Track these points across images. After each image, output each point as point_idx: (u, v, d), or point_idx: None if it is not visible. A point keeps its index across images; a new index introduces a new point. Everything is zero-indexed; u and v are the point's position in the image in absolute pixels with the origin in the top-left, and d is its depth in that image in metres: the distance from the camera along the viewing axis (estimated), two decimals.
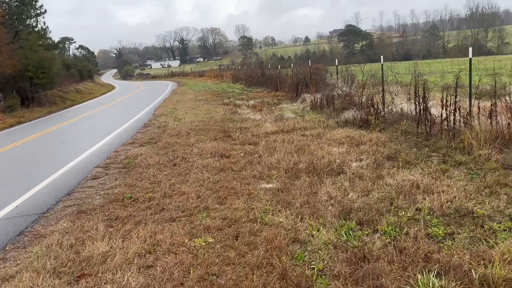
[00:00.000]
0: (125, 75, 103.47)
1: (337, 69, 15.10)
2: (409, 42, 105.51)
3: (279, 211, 4.83)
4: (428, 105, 8.52)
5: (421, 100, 8.55)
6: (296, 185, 5.77)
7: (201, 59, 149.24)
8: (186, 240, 4.08)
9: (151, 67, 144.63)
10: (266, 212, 4.84)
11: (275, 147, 8.25)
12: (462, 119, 7.61)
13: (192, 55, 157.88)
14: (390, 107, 10.22)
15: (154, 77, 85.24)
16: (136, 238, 4.21)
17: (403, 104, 10.17)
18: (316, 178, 6.10)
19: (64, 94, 37.85)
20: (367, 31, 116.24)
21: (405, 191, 5.15)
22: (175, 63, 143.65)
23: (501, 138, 6.82)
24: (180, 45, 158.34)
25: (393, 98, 10.30)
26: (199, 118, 12.85)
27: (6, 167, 9.18)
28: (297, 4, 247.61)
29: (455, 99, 7.76)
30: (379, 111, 10.00)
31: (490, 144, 6.62)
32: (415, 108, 8.67)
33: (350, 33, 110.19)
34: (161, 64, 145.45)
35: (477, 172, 5.80)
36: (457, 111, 7.70)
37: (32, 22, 38.40)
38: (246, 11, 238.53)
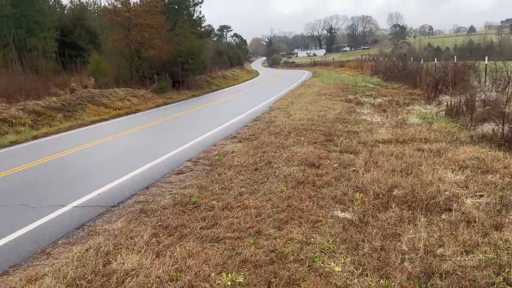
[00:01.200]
0: (272, 63, 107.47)
1: (485, 67, 12.43)
2: None
3: (340, 254, 3.92)
4: None
5: None
6: (379, 219, 4.69)
7: (348, 48, 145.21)
8: (213, 274, 3.56)
9: (297, 56, 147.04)
10: (323, 252, 3.98)
11: (377, 161, 7.05)
12: None
13: (339, 44, 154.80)
14: None
15: (297, 66, 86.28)
16: (169, 257, 3.88)
17: None
18: (409, 213, 4.88)
19: (211, 79, 40.96)
20: None
21: None
22: (320, 52, 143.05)
23: None
24: (328, 34, 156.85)
25: None
26: (310, 115, 12.10)
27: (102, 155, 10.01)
28: None
29: None
30: None
31: None
32: None
33: None
34: (306, 53, 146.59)
35: None
36: None
37: (190, 11, 42.42)
38: None
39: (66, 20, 43.27)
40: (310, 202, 5.29)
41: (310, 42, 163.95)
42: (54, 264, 3.90)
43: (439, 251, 3.93)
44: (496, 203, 4.99)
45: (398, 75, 24.94)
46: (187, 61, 32.12)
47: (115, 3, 28.36)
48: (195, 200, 5.46)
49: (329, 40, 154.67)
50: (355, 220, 4.67)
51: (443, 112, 11.66)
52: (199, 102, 21.34)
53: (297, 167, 6.86)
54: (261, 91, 26.06)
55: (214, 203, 5.31)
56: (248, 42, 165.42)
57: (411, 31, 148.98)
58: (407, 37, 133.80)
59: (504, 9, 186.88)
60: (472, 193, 5.37)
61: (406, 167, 6.65)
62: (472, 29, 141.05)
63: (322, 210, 5.01)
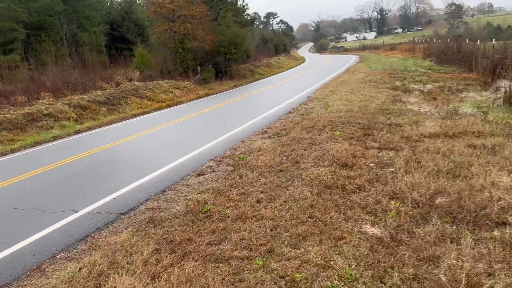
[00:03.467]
0: (320, 48, 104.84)
1: None
2: None
3: (362, 284, 3.28)
4: None
5: None
6: (415, 236, 3.97)
7: (400, 30, 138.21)
8: None
9: (345, 40, 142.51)
10: (342, 280, 3.36)
11: (420, 160, 6.21)
12: None
13: (391, 26, 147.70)
14: None
15: (346, 51, 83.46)
16: (164, 281, 3.46)
17: None
18: (453, 227, 4.11)
19: (254, 68, 40.45)
20: None
21: None
22: (371, 35, 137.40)
23: None
24: (379, 16, 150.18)
25: None
26: (349, 106, 11.22)
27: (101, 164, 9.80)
28: None
29: None
30: None
31: None
32: None
33: None
34: (356, 37, 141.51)
35: None
36: None
37: (232, 0, 41.94)
38: None
39: (115, 14, 44.59)
40: (336, 212, 4.65)
41: (359, 25, 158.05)
42: (43, 285, 3.62)
43: (487, 284, 3.17)
44: None
45: (452, 58, 23.00)
46: (230, 50, 31.78)
47: None
48: (208, 207, 5.01)
49: (379, 22, 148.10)
50: (386, 237, 3.98)
51: (501, 100, 10.32)
52: (239, 93, 20.94)
53: (327, 167, 6.19)
54: (303, 79, 25.16)
55: (228, 212, 4.82)
56: (295, 28, 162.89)
57: (469, 9, 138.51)
58: (464, 17, 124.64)
59: None
60: None
61: (453, 168, 5.77)
62: None
63: (348, 223, 4.36)
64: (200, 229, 4.44)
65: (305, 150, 7.25)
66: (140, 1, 50.27)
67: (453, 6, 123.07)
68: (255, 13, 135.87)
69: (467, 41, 22.50)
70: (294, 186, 5.52)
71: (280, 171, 6.22)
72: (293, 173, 6.07)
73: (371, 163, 6.41)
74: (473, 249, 3.68)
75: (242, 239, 4.12)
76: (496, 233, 3.94)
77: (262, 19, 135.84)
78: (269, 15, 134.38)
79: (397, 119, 9.29)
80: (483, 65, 15.24)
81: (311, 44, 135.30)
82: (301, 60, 58.73)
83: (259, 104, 15.16)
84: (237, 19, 39.64)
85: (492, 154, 6.28)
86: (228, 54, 31.98)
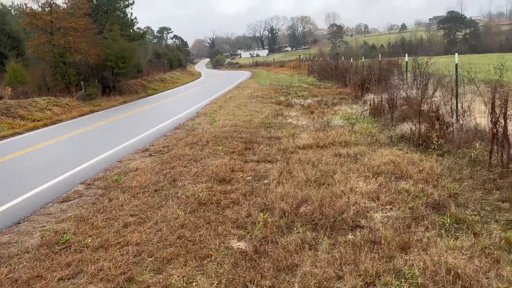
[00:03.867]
0: (216, 64, 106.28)
1: (406, 65, 12.50)
2: None
3: None
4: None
5: (498, 116, 6.07)
6: (279, 246, 4.09)
7: (289, 48, 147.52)
8: None
9: (240, 57, 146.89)
10: None
11: (292, 171, 6.53)
12: None
13: (281, 44, 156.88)
14: (462, 121, 7.73)
15: (241, 67, 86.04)
16: None
17: (482, 118, 7.61)
18: (313, 234, 4.33)
19: (147, 83, 39.14)
20: (472, 18, 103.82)
21: (436, 281, 3.22)
22: (263, 53, 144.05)
23: None
24: (270, 35, 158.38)
25: (468, 108, 7.76)
26: (235, 121, 11.46)
27: None
28: None
29: None
30: (445, 126, 7.61)
31: None
32: (490, 128, 6.19)
33: (452, 20, 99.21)
34: (250, 54, 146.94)
35: None
36: None
37: (120, 13, 40.25)
38: None
39: None
40: (206, 229, 4.59)
41: (252, 43, 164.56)
42: None
43: (337, 284, 3.38)
44: (405, 217, 4.58)
45: (331, 74, 25.16)
46: (117, 65, 30.37)
47: (33, 6, 26.08)
48: (67, 238, 4.54)
49: (271, 40, 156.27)
50: (250, 250, 4.03)
51: (367, 112, 11.53)
52: (127, 109, 20.01)
53: (204, 184, 6.14)
54: (195, 94, 25.16)
55: (89, 241, 4.43)
56: (191, 43, 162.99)
57: (348, 30, 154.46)
58: (344, 36, 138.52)
59: (432, 8, 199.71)
60: (382, 205, 4.95)
61: (320, 177, 6.18)
62: (403, 27, 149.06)
63: (217, 240, 4.32)
64: (53, 263, 3.99)
65: (185, 167, 7.12)
66: (15, 12, 45.39)
67: (334, 27, 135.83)
68: (148, 27, 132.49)
69: (342, 59, 24.85)
70: (167, 206, 5.34)
71: (155, 191, 5.99)
72: (168, 192, 5.89)
73: (248, 177, 6.54)
74: (328, 253, 3.91)
75: (100, 269, 3.79)
76: (349, 236, 4.26)
77: (155, 33, 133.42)
78: (163, 29, 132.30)
79: (277, 133, 9.72)
80: (354, 81, 16.92)
81: (208, 60, 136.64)
82: (197, 75, 58.83)
83: (146, 120, 14.64)
84: (126, 33, 38.12)
85: (354, 162, 6.89)
86: (116, 68, 30.50)
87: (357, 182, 5.75)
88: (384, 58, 16.53)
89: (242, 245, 4.16)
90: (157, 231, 4.60)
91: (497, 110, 6.01)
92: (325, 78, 25.75)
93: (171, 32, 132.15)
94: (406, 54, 12.68)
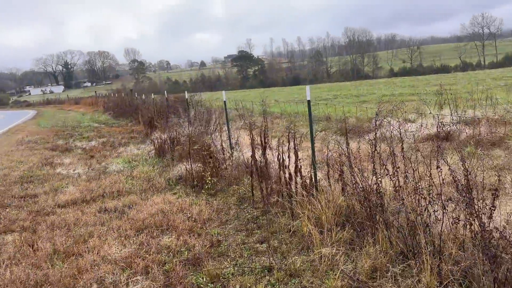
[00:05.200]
0: None
1: (186, 101, 12.52)
2: (297, 68, 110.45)
3: None
4: (273, 155, 6.23)
5: (264, 146, 6.19)
6: None
7: (89, 84, 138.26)
8: None
9: (30, 94, 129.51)
10: None
11: (38, 242, 5.12)
12: (301, 181, 5.31)
13: (79, 79, 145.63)
14: (233, 157, 7.81)
15: (29, 105, 75.08)
16: None
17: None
18: None
19: None
20: (259, 57, 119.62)
21: None
22: (58, 89, 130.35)
23: (353, 215, 4.64)
24: (64, 69, 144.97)
25: (236, 142, 7.92)
26: None
27: None
28: (194, 29, 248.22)
29: (293, 143, 5.49)
30: (217, 163, 7.52)
31: (337, 231, 4.39)
32: (250, 162, 6.23)
33: (243, 58, 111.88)
34: (42, 90, 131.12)
35: None
36: (297, 167, 5.43)
37: None
38: (143, 34, 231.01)
39: None
40: None
41: (44, 79, 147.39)
42: None
43: None
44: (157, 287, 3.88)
45: (126, 111, 23.91)
46: None
47: None
48: None
49: (66, 76, 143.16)
50: None
51: (153, 152, 10.86)
52: None
53: None
54: None
55: None
56: None
57: (151, 65, 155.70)
58: (147, 72, 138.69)
59: (226, 47, 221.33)
60: (134, 274, 4.13)
61: (71, 244, 4.99)
62: (203, 64, 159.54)
63: None
64: None
65: None
66: None
67: (136, 62, 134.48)
68: None
69: (136, 95, 23.97)
70: None
71: None
72: None
73: None
74: None
75: None
76: None
77: None
78: None
79: (36, 189, 7.97)
80: (145, 118, 16.20)
81: None
82: None
83: None
84: None
85: (119, 217, 5.95)
86: None
87: (113, 246, 4.82)
88: (171, 94, 16.41)
89: None
90: None
91: (260, 140, 6.10)
92: (121, 115, 24.31)
93: None
94: (186, 91, 12.73)
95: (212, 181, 7.01)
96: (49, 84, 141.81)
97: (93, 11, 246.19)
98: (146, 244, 4.83)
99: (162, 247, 4.73)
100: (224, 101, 8.43)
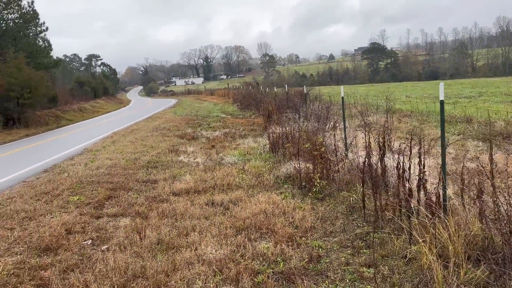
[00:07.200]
0: (149, 92, 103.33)
1: (305, 95, 12.02)
2: (436, 60, 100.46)
3: None
4: (392, 164, 5.39)
5: (375, 156, 5.40)
6: None
7: (224, 76, 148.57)
8: None
9: (175, 84, 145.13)
10: None
11: (145, 230, 5.32)
12: (425, 200, 4.37)
13: (216, 73, 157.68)
14: (347, 159, 7.08)
15: (174, 94, 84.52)
16: None
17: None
18: None
19: (62, 113, 36.23)
20: (392, 49, 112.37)
21: None
22: (198, 80, 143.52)
23: (492, 249, 3.61)
24: (204, 63, 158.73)
25: (351, 143, 7.16)
26: (117, 160, 10.08)
27: None
28: (327, 22, 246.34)
29: (417, 149, 4.58)
30: (328, 164, 6.89)
31: (467, 268, 3.44)
32: (362, 168, 5.44)
33: (374, 50, 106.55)
34: (185, 81, 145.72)
35: None
36: (422, 184, 4.50)
37: (31, 40, 37.27)
38: (277, 28, 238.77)
39: None
40: None
41: (187, 71, 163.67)
42: None
43: None
44: None
45: (251, 103, 24.68)
46: (22, 95, 27.65)
47: None
48: None
49: (206, 68, 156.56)
50: None
51: (268, 147, 10.74)
52: (20, 144, 17.65)
53: (19, 256, 4.71)
54: (106, 126, 23.22)
55: None
56: (123, 71, 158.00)
57: (280, 59, 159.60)
58: (277, 66, 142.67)
59: (357, 39, 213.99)
60: (221, 282, 3.87)
61: (175, 237, 5.04)
62: (331, 57, 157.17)
63: None
64: None
65: (10, 229, 5.60)
66: None
67: (267, 56, 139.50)
68: (75, 54, 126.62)
69: (261, 88, 24.51)
70: None
71: None
72: None
73: (85, 241, 5.22)
74: None
75: None
76: None
77: (83, 61, 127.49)
78: (91, 57, 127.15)
79: (158, 174, 8.51)
80: (265, 111, 16.32)
81: (141, 87, 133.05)
82: (126, 103, 56.25)
83: (17, 161, 12.59)
84: (37, 61, 35.43)
85: (223, 213, 5.86)
86: (20, 99, 27.77)
87: (210, 245, 4.67)
88: (293, 88, 16.14)
89: None
90: None
91: (379, 143, 5.35)
92: (246, 107, 25.23)
93: (100, 59, 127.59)
94: (304, 86, 12.24)
95: (321, 183, 6.45)
96: (191, 76, 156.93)
97: (235, 8, 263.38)
98: (242, 247, 4.57)
99: (258, 253, 4.40)
100: (342, 97, 7.72)
